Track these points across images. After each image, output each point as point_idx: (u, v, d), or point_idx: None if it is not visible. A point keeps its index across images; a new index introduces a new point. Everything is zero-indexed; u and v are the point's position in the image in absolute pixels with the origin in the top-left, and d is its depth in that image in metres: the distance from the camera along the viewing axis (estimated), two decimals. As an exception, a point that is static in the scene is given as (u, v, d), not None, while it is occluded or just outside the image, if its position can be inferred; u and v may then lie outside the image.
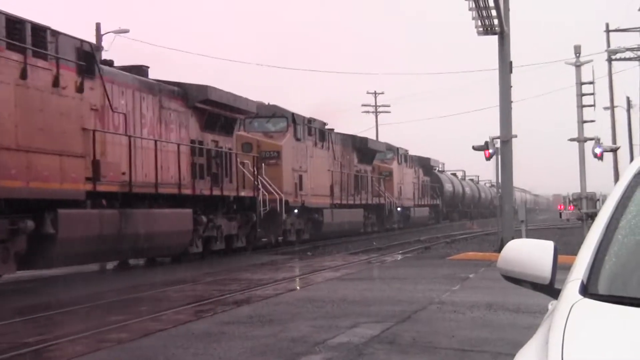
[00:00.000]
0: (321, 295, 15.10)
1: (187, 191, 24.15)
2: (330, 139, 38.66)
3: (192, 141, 24.98)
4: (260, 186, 29.55)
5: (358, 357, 9.08)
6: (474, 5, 24.41)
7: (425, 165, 61.67)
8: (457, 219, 71.17)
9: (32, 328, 11.92)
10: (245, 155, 29.40)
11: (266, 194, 29.94)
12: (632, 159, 43.59)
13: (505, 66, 26.10)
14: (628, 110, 56.57)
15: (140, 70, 23.68)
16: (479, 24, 25.16)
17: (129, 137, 20.99)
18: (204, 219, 24.98)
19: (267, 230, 30.89)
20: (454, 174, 77.24)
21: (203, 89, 25.17)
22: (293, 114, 33.45)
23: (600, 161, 28.56)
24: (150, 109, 22.73)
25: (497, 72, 26.48)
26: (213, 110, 25.91)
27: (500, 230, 27.20)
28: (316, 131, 36.36)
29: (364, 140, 45.13)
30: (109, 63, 22.03)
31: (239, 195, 27.71)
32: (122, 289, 17.15)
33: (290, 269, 22.26)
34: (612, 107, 52.90)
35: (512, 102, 26.52)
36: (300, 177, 33.79)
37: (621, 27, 50.53)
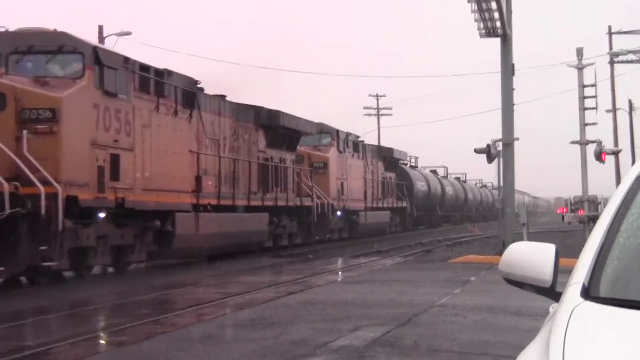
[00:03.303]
0: (322, 297, 15.09)
1: None
2: (199, 105, 24.66)
3: None
4: None
5: (359, 360, 9.07)
6: (476, 8, 24.44)
7: (387, 157, 48.98)
8: (434, 224, 60.29)
9: (33, 331, 11.91)
10: None
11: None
12: (633, 161, 43.57)
13: (508, 69, 26.14)
14: (630, 113, 56.54)
15: None
16: (481, 26, 25.20)
17: None
18: None
19: None
20: (434, 171, 66.79)
21: None
22: (95, 47, 20.03)
23: (602, 164, 28.57)
24: None
25: (499, 75, 26.52)
26: None
27: (501, 233, 27.21)
28: (166, 89, 22.51)
29: (275, 114, 30.57)
30: None
31: None
32: (121, 292, 17.13)
33: (291, 271, 22.25)
34: (614, 110, 52.85)
35: (514, 104, 26.55)
36: (115, 158, 19.89)
37: (623, 30, 50.55)
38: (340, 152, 39.51)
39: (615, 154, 40.36)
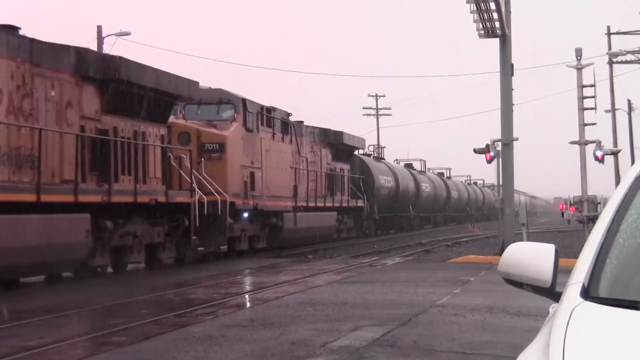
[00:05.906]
0: (322, 298, 15.09)
1: None
2: None
3: None
4: None
5: (359, 360, 9.07)
6: (475, 8, 24.44)
7: (336, 144, 38.38)
8: (405, 227, 51.30)
9: (32, 331, 11.90)
10: None
11: None
12: (633, 162, 43.57)
13: (507, 69, 26.14)
14: (629, 113, 56.51)
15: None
16: (480, 26, 25.20)
17: None
18: None
19: None
20: (409, 165, 58.02)
21: None
22: None
23: (601, 164, 28.59)
24: None
25: (498, 75, 26.52)
26: None
27: (501, 234, 27.24)
28: None
29: (114, 63, 20.41)
30: None
31: None
32: (122, 293, 17.12)
33: (291, 272, 22.24)
34: (613, 110, 52.84)
35: (513, 104, 26.56)
36: None
37: (622, 30, 50.57)
38: (249, 130, 28.20)
39: (615, 154, 40.37)
